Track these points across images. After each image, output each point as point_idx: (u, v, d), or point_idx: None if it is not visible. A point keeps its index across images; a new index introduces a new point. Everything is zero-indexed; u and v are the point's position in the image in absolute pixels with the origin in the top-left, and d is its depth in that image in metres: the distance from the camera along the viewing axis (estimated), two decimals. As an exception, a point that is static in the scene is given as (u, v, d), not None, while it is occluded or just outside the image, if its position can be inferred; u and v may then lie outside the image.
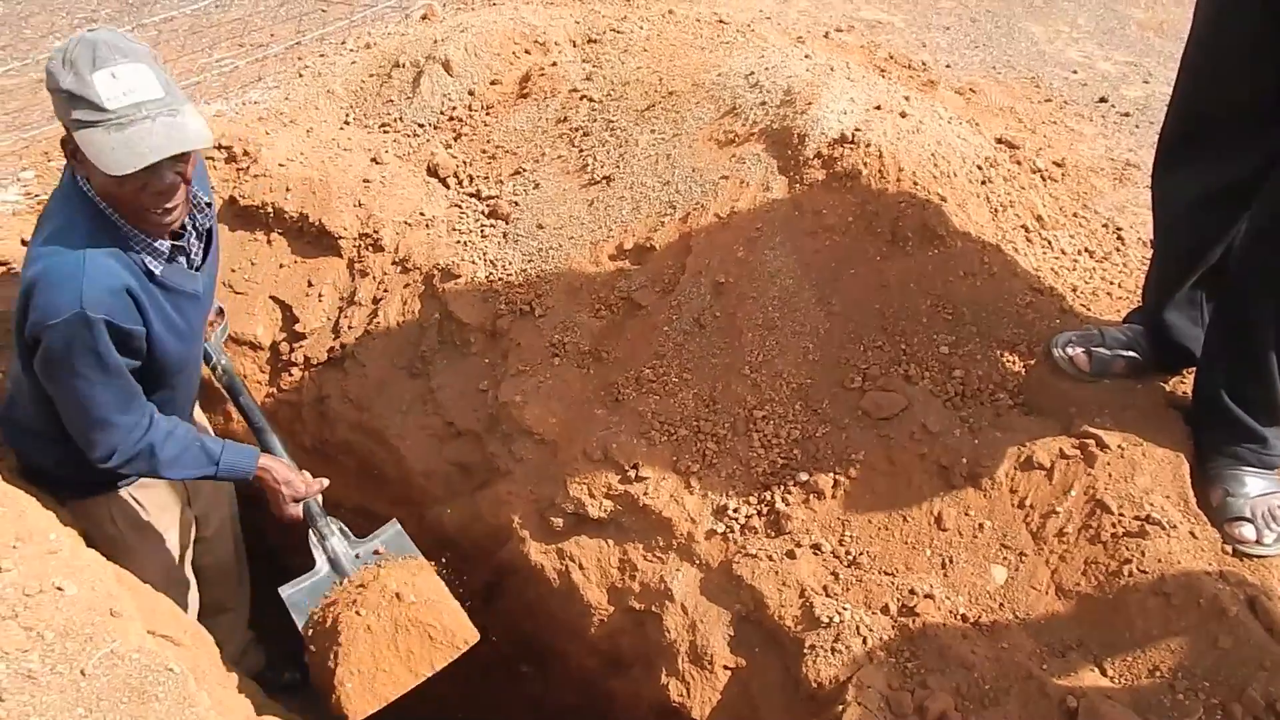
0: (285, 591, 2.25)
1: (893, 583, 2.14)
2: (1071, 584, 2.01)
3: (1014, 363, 2.31)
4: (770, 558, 2.22)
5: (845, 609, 2.11)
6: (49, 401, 1.99)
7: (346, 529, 2.36)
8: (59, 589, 1.72)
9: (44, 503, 2.05)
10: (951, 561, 2.13)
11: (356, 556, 2.29)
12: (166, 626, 2.00)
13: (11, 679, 1.53)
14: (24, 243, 2.80)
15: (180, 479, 2.21)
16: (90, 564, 1.90)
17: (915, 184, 2.42)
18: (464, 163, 3.13)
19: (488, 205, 2.96)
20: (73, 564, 1.83)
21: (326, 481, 2.37)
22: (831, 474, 2.26)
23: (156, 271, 1.96)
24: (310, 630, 2.17)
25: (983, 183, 2.51)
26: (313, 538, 2.31)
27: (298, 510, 2.27)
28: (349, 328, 2.91)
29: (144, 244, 1.94)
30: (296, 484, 2.26)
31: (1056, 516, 2.07)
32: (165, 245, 1.97)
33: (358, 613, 2.07)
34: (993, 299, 2.36)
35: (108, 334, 1.86)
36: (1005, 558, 2.11)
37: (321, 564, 2.28)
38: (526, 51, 3.38)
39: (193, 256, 2.09)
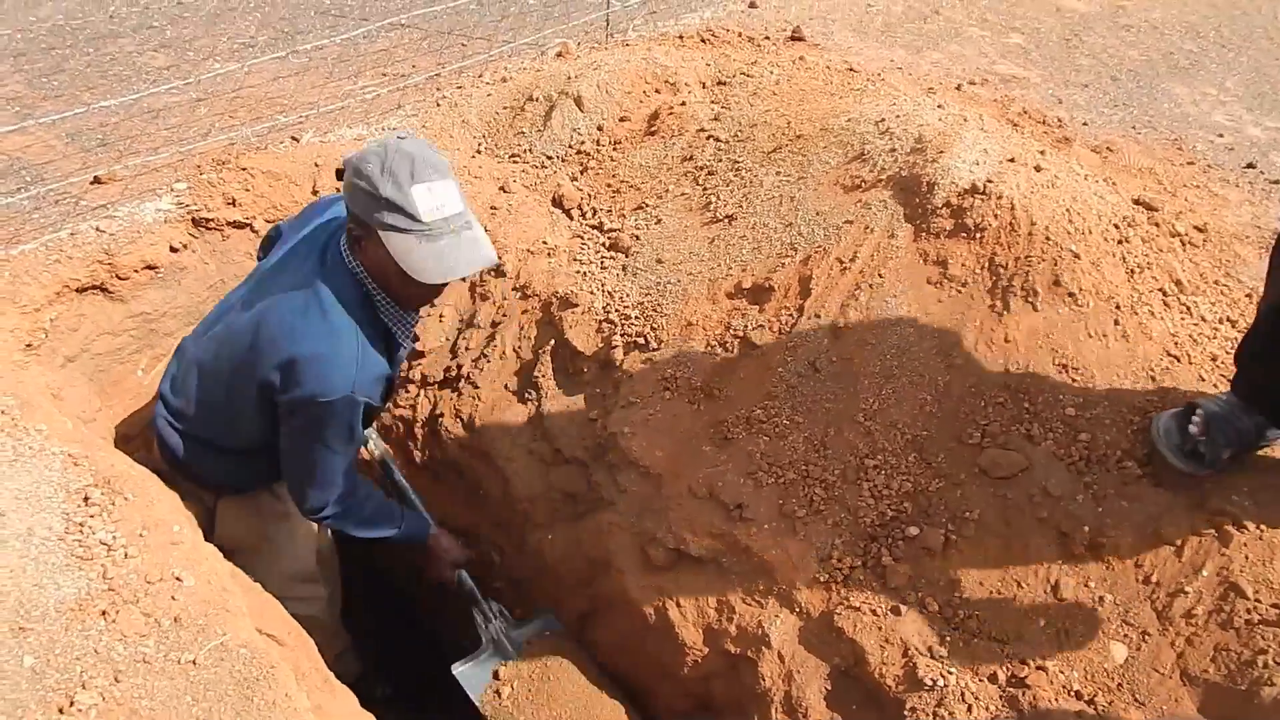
0: (458, 669, 2.59)
1: (1003, 650, 2.06)
2: (1199, 670, 1.90)
3: (1145, 430, 2.21)
4: (874, 612, 2.16)
5: (951, 673, 2.04)
6: (261, 434, 2.18)
7: (506, 611, 2.69)
8: (178, 579, 1.77)
9: (183, 494, 2.15)
10: (1067, 634, 2.04)
11: (520, 640, 2.64)
12: (272, 625, 2.04)
13: (128, 662, 1.58)
14: (173, 249, 2.95)
15: (366, 537, 2.38)
16: (208, 558, 1.95)
17: (1048, 239, 2.35)
18: (588, 195, 3.20)
19: (609, 237, 3.01)
20: (192, 556, 1.89)
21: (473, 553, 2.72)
22: (943, 531, 2.19)
23: (406, 348, 2.22)
24: (487, 708, 2.53)
25: (1119, 242, 2.41)
26: (478, 618, 2.66)
27: (454, 575, 2.62)
28: (466, 349, 2.99)
29: (404, 329, 2.17)
30: (456, 553, 2.62)
31: (1185, 596, 1.96)
32: (416, 326, 2.18)
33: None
34: (1125, 362, 2.26)
35: (361, 413, 2.09)
36: (1126, 635, 2.00)
37: (486, 644, 2.64)
38: (657, 91, 3.44)
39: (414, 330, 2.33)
